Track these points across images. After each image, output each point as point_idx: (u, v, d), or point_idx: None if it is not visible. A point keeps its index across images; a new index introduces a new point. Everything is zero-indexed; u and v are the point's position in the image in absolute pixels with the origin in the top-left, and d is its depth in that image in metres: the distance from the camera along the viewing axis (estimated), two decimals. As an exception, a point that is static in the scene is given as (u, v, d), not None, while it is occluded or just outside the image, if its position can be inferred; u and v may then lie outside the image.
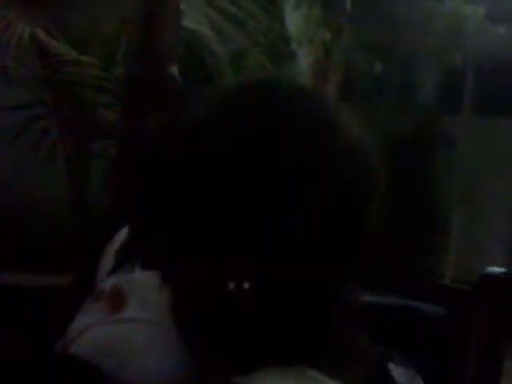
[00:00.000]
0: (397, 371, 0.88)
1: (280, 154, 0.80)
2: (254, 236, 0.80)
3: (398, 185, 5.97)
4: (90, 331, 1.47)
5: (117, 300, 1.48)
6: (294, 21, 5.44)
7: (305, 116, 0.83)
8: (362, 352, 0.88)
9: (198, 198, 0.83)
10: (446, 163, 6.23)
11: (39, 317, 1.75)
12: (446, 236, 6.28)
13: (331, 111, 0.86)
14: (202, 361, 0.89)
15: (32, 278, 2.67)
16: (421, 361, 0.94)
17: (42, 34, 3.68)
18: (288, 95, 0.86)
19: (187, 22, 3.59)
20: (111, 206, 2.25)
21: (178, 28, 2.82)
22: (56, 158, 3.90)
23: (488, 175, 6.13)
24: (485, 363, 1.36)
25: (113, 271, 1.54)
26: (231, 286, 0.80)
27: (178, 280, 0.86)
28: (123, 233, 1.57)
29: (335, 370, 0.82)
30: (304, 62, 5.54)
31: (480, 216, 6.17)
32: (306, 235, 0.80)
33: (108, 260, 1.59)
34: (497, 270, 1.37)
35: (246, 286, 0.79)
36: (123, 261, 1.51)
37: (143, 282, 1.43)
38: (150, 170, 0.87)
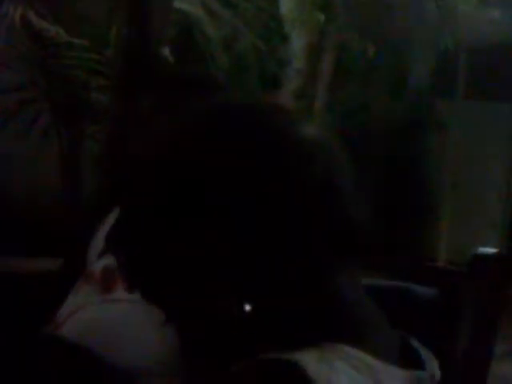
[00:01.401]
0: (422, 352, 0.89)
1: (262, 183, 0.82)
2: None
3: (392, 169, 5.94)
4: (80, 312, 1.47)
5: (107, 281, 1.48)
6: (287, 3, 5.42)
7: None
8: (386, 331, 0.88)
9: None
10: (438, 147, 6.23)
11: (30, 300, 1.75)
12: (440, 219, 6.30)
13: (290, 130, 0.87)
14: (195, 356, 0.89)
15: (28, 262, 2.66)
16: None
17: (33, 17, 3.66)
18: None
19: (180, 4, 3.58)
20: (103, 189, 2.25)
21: (170, 10, 2.82)
22: (49, 141, 3.89)
23: (480, 158, 6.14)
24: (477, 345, 1.36)
25: (103, 253, 1.54)
26: (235, 310, 0.81)
27: (181, 319, 0.87)
28: (113, 215, 1.56)
29: (366, 346, 0.83)
30: (298, 44, 5.52)
31: (472, 199, 6.19)
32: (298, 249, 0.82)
33: (98, 242, 1.59)
34: (488, 250, 1.38)
35: (248, 309, 0.81)
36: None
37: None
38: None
